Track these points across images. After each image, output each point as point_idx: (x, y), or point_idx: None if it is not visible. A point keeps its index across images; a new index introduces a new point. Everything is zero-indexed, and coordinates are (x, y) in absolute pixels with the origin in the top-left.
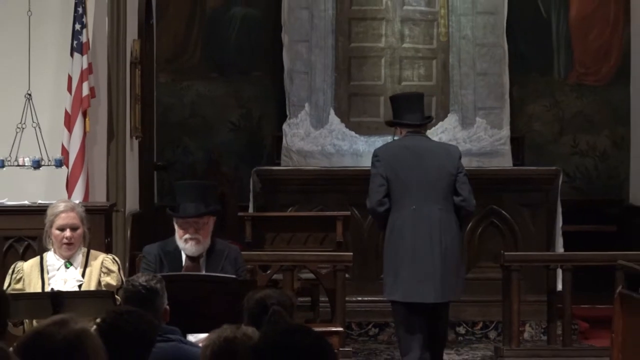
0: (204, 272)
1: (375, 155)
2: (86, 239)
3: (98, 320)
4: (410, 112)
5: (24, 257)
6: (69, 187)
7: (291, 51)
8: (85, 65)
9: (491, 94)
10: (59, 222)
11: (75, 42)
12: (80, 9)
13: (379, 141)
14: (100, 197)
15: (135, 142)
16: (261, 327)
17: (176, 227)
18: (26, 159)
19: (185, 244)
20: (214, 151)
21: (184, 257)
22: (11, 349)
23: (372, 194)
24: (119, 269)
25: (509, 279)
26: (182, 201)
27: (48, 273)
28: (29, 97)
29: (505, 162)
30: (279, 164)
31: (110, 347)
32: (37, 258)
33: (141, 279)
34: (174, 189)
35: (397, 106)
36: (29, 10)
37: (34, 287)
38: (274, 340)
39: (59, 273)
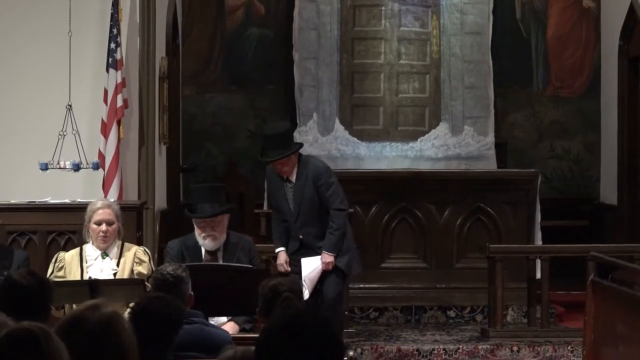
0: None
1: (329, 169)
2: (120, 233)
3: (132, 304)
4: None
5: (65, 249)
6: (105, 187)
7: (301, 67)
8: (119, 80)
9: (478, 105)
10: (97, 217)
11: (110, 59)
12: (115, 30)
13: (378, 146)
14: (132, 196)
15: (164, 148)
16: (273, 311)
17: (195, 225)
18: (67, 163)
19: (204, 240)
20: (233, 155)
21: (203, 251)
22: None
23: (344, 197)
24: (149, 260)
25: (493, 268)
26: (198, 202)
27: (87, 263)
28: (69, 107)
29: (490, 165)
30: None
31: (142, 329)
32: (77, 249)
33: (169, 268)
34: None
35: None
36: (70, 31)
37: (74, 275)
38: (282, 323)
39: (96, 263)
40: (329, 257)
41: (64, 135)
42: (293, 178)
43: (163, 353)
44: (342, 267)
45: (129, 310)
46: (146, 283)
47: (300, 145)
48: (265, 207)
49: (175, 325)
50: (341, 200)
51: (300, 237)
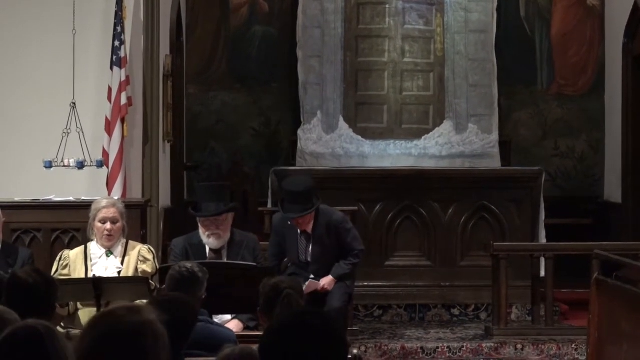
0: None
1: (345, 217)
2: (125, 231)
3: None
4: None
5: (69, 247)
6: (109, 185)
7: (305, 65)
8: (123, 78)
9: (482, 103)
10: (101, 216)
11: (114, 57)
12: (119, 28)
13: (382, 144)
14: (136, 194)
15: (168, 146)
16: (275, 309)
17: (199, 224)
18: (71, 161)
19: (208, 239)
20: (237, 153)
21: (207, 249)
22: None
23: (359, 237)
24: (153, 258)
25: (497, 266)
26: (203, 201)
27: (91, 261)
28: (73, 105)
29: (494, 163)
30: (294, 165)
31: None
32: (82, 247)
33: (189, 264)
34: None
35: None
36: (74, 29)
37: (79, 273)
38: (286, 322)
39: (101, 261)
40: (332, 282)
41: (68, 133)
42: (310, 229)
43: (175, 356)
44: (349, 285)
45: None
46: (150, 281)
47: (320, 201)
48: (269, 206)
49: (188, 328)
50: (360, 242)
51: (312, 277)
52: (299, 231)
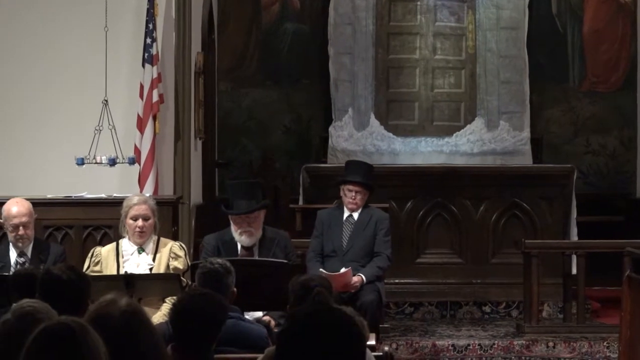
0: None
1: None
2: (156, 228)
3: (169, 299)
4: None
5: (101, 244)
6: (141, 182)
7: (336, 62)
8: (155, 75)
9: (513, 100)
10: (133, 212)
11: (146, 54)
12: (150, 25)
13: (413, 141)
14: (168, 191)
15: (199, 142)
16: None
17: (231, 221)
18: (103, 158)
19: (240, 236)
20: (268, 150)
21: (239, 246)
22: None
23: None
24: (185, 255)
25: (529, 263)
26: (234, 198)
27: (123, 257)
28: (105, 102)
29: (525, 160)
30: (325, 162)
31: (184, 326)
32: (114, 244)
33: (218, 260)
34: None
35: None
36: (106, 27)
37: (110, 269)
38: (304, 314)
39: (133, 258)
40: (360, 281)
41: (100, 130)
42: (356, 215)
43: (205, 351)
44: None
45: (166, 305)
46: (182, 278)
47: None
48: (300, 202)
49: (218, 324)
50: (392, 252)
51: (342, 269)
52: (344, 216)
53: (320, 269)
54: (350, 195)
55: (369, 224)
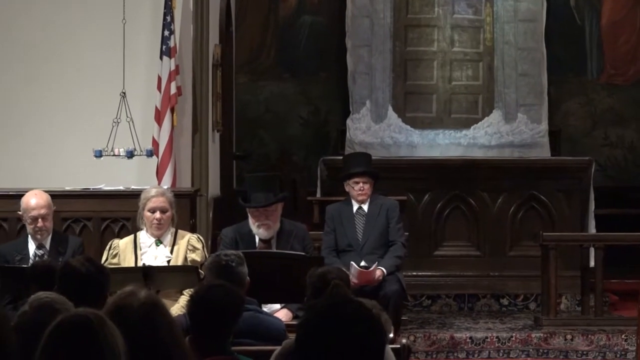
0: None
1: None
2: (174, 221)
3: (187, 291)
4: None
5: (119, 236)
6: (159, 174)
7: (354, 55)
8: (173, 67)
9: (531, 93)
10: (151, 205)
11: (164, 47)
12: (168, 18)
13: (431, 134)
14: (186, 183)
15: (217, 135)
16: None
17: (249, 214)
18: (121, 150)
19: (258, 229)
20: (286, 143)
21: (257, 238)
22: None
23: None
24: (203, 247)
25: (547, 256)
26: (252, 191)
27: (141, 250)
28: (123, 95)
29: (543, 152)
30: (343, 154)
31: (202, 317)
32: (132, 236)
33: (228, 252)
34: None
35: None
36: (124, 19)
37: (128, 262)
38: (324, 306)
39: (150, 250)
40: (382, 274)
41: (118, 123)
42: (366, 206)
43: (223, 342)
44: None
45: (184, 297)
46: (200, 270)
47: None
48: (318, 195)
49: (235, 315)
50: (405, 238)
51: (362, 263)
52: (354, 209)
53: (352, 262)
54: (358, 187)
55: (380, 213)
